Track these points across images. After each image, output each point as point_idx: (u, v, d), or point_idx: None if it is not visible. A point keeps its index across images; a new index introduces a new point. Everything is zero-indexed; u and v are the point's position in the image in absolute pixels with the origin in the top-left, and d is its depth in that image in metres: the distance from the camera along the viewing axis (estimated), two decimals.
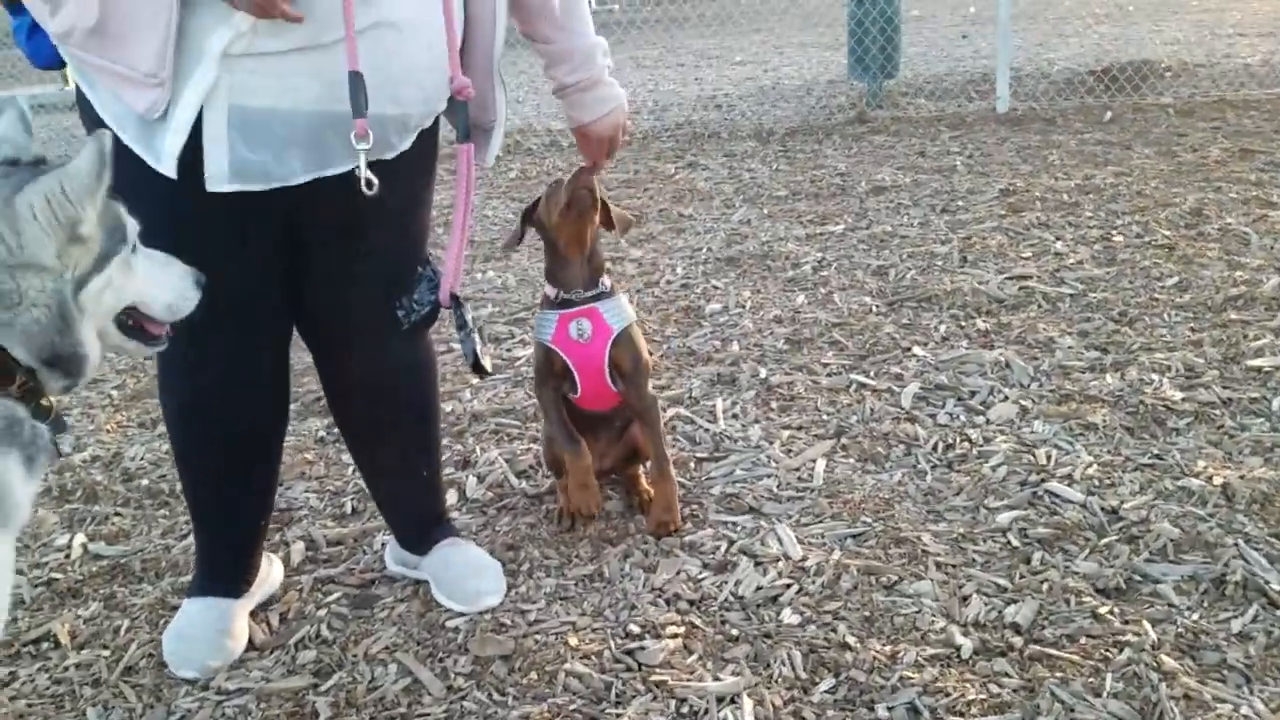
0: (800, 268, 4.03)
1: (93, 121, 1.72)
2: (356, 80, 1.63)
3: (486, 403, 2.99)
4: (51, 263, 1.30)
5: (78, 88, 1.73)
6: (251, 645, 2.02)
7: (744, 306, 3.67)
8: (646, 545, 2.27)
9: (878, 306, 3.56)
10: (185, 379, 1.93)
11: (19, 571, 2.29)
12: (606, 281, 2.30)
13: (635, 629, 2.00)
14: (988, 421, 2.70)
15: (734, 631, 1.99)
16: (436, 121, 1.93)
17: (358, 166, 1.66)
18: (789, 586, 2.10)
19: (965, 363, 3.04)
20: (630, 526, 2.36)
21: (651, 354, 3.24)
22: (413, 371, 2.10)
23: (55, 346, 1.34)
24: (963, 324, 3.34)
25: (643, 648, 1.94)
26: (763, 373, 3.10)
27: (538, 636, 1.99)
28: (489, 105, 1.94)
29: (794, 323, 3.49)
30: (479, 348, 1.97)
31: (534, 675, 1.89)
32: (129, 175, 1.63)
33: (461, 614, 2.07)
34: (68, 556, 2.36)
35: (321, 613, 2.10)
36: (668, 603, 2.08)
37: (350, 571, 2.23)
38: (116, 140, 1.45)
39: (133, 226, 1.45)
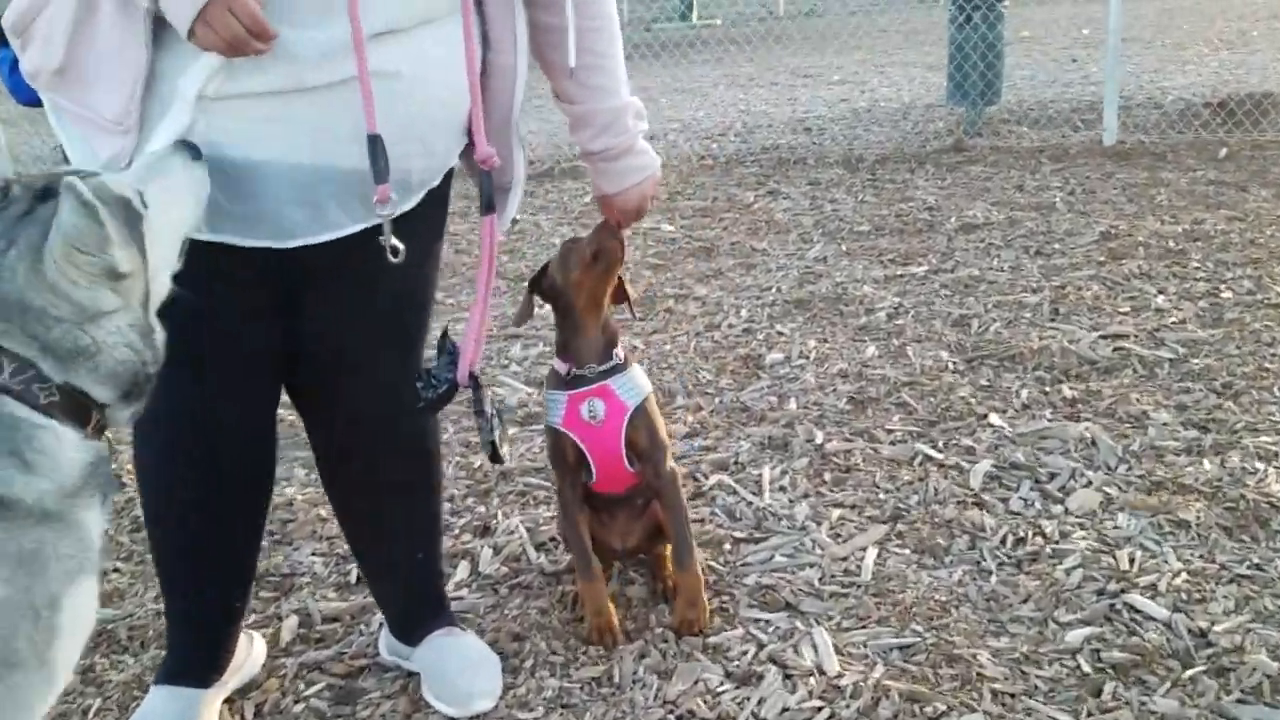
0: (874, 314, 3.75)
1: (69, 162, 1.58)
2: (375, 143, 1.49)
3: (518, 459, 2.79)
4: (115, 304, 1.26)
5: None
6: None
7: (808, 357, 3.41)
8: (666, 644, 2.04)
9: (955, 364, 3.26)
10: (164, 431, 1.77)
11: None
12: (620, 353, 2.07)
13: None
14: (1066, 511, 2.40)
15: None
16: (447, 180, 1.76)
17: (382, 235, 1.54)
18: (819, 710, 1.85)
19: (1047, 437, 2.74)
20: (652, 618, 2.13)
21: (700, 409, 3.03)
22: (413, 445, 1.91)
23: (142, 373, 1.31)
24: (1047, 389, 3.03)
25: None
26: (819, 437, 2.84)
27: None
28: (508, 166, 1.76)
29: (860, 379, 3.21)
30: (497, 434, 1.80)
31: None
32: None
33: (449, 717, 1.87)
34: None
35: (299, 708, 1.92)
36: None
37: (340, 657, 2.05)
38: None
39: (129, 187, 1.32)
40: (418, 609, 1.98)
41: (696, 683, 1.93)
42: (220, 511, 1.81)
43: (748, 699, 1.88)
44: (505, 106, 1.72)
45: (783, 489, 2.60)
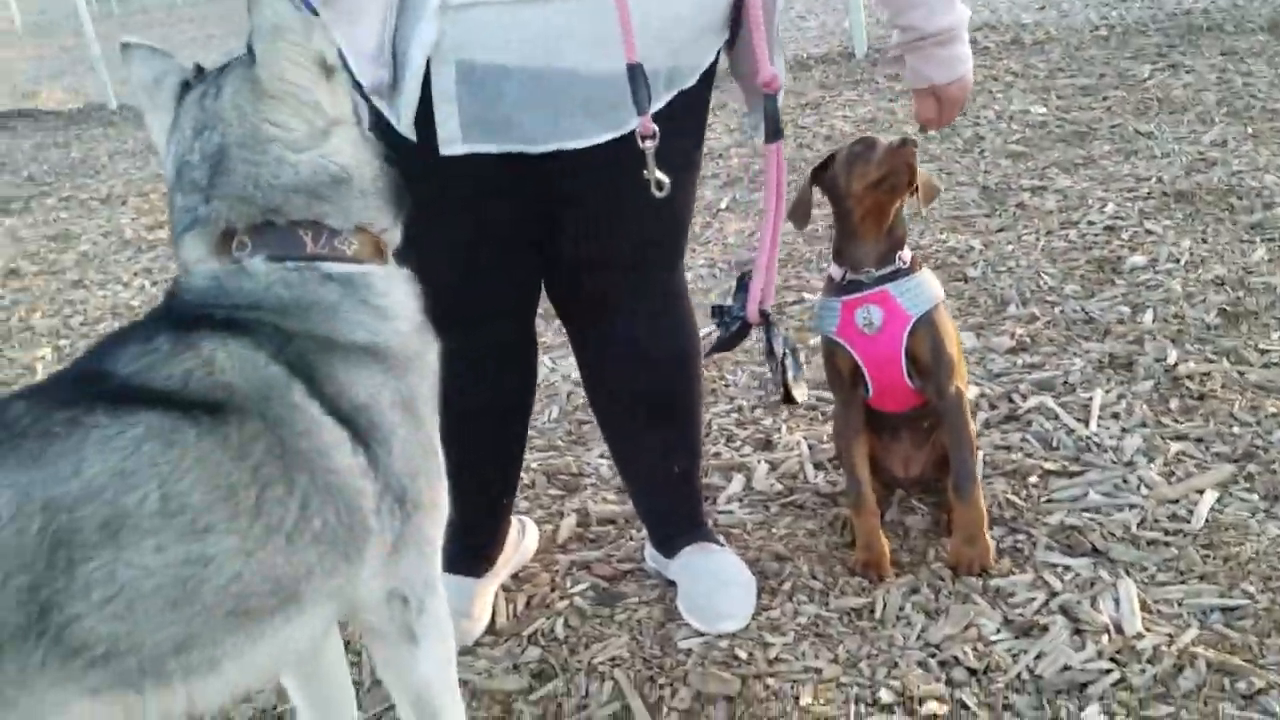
0: (1273, 209, 3.15)
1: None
2: (635, 73, 1.43)
3: (817, 370, 2.65)
4: (334, 110, 1.23)
5: None
6: (493, 626, 1.93)
7: (1178, 261, 2.93)
8: (940, 582, 1.86)
9: None
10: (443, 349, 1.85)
11: None
12: (905, 256, 1.87)
13: (887, 696, 1.63)
14: None
15: None
16: (704, 83, 1.65)
17: (648, 171, 1.48)
18: (1106, 673, 1.61)
19: None
20: (930, 552, 1.95)
21: (1034, 319, 2.72)
22: (670, 358, 1.85)
23: (394, 189, 1.29)
24: None
25: None
26: (1172, 356, 2.44)
27: (770, 680, 1.70)
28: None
29: (1240, 287, 2.72)
30: (790, 374, 1.72)
31: None
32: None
33: (699, 631, 1.83)
34: None
35: (564, 604, 1.96)
36: (941, 666, 1.68)
37: (607, 559, 2.06)
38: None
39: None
40: (674, 523, 1.94)
41: (968, 628, 1.74)
42: (483, 423, 1.86)
43: (1024, 652, 1.68)
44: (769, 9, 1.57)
45: (1115, 416, 2.27)
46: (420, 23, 1.46)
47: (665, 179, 1.47)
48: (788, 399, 1.73)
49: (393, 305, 1.23)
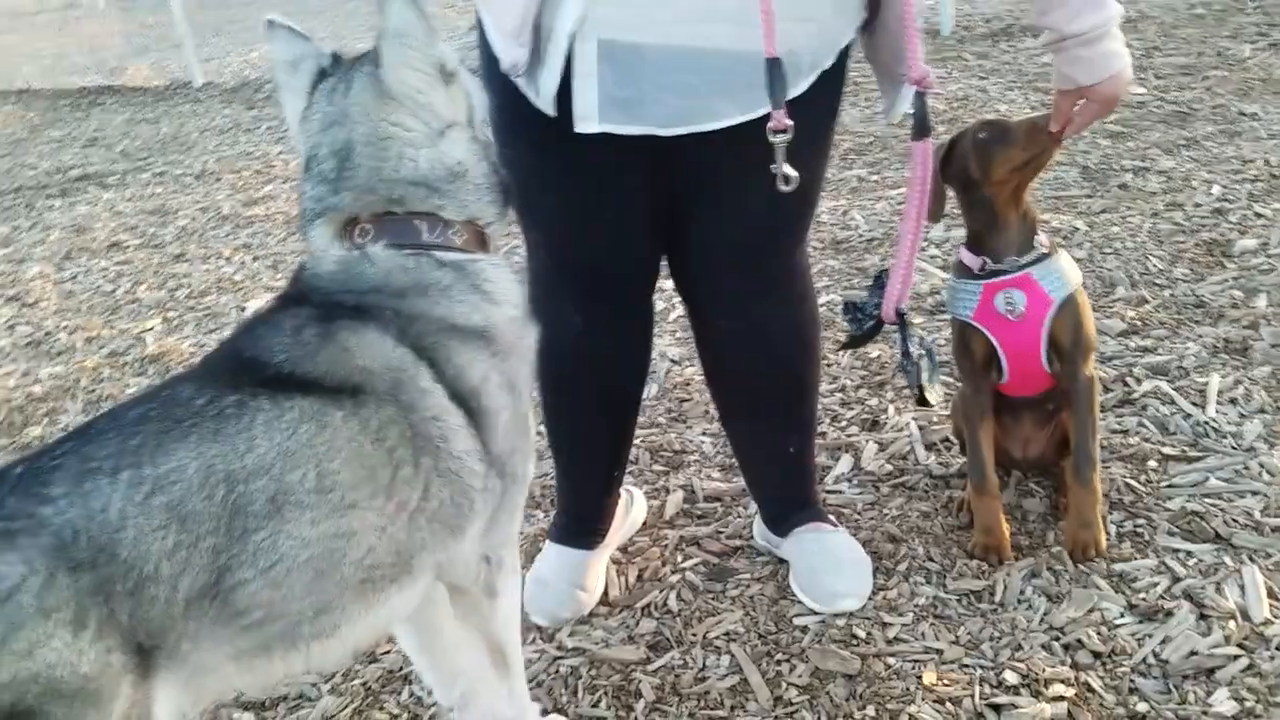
0: None
1: (486, 52, 1.65)
2: (773, 67, 1.42)
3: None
4: (452, 112, 1.30)
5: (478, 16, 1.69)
6: (606, 598, 1.96)
7: None
8: (1061, 566, 1.85)
9: None
10: (550, 318, 1.86)
11: None
12: (1043, 240, 1.84)
13: (1011, 678, 1.63)
14: None
15: (1140, 707, 1.55)
16: (842, 60, 1.63)
17: (776, 166, 1.47)
18: (1234, 659, 1.59)
19: None
20: (1049, 535, 1.93)
21: (1144, 303, 2.67)
22: (789, 340, 1.85)
23: (502, 186, 1.36)
24: None
25: (1013, 705, 1.58)
26: None
27: (891, 660, 1.70)
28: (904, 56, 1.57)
29: None
30: (925, 376, 1.68)
31: (871, 710, 1.61)
32: (509, 114, 1.61)
33: (813, 610, 1.83)
34: None
35: (675, 578, 1.98)
36: (1065, 649, 1.67)
37: (717, 535, 2.08)
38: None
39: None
40: (787, 501, 1.95)
41: (1091, 611, 1.73)
42: (599, 398, 1.89)
43: (1149, 636, 1.66)
44: None
45: (1233, 401, 2.22)
46: (566, 2, 1.47)
47: (794, 174, 1.46)
48: (921, 401, 1.70)
49: (500, 291, 1.31)
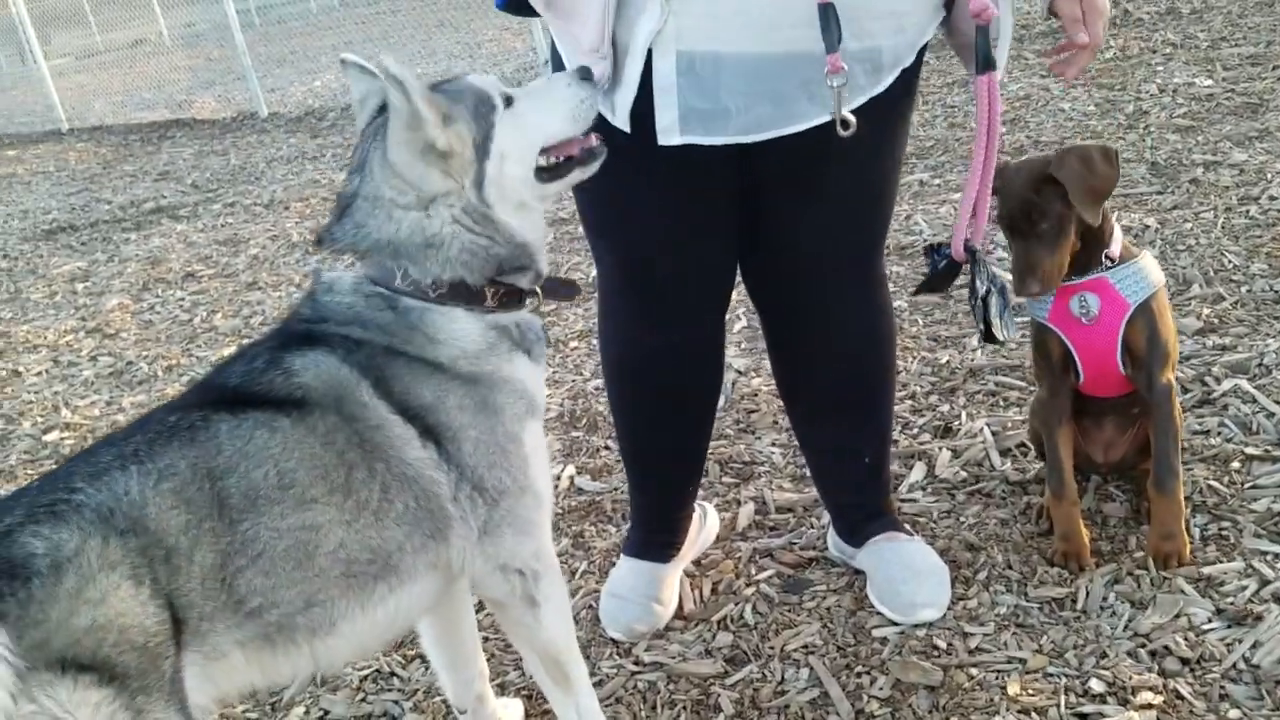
0: None
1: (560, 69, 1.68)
2: (827, 12, 1.42)
3: (990, 356, 2.61)
4: (444, 185, 1.39)
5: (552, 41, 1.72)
6: (681, 611, 1.96)
7: None
8: (1144, 571, 1.81)
9: None
10: (626, 334, 1.89)
11: None
12: (1115, 251, 1.80)
13: (1098, 686, 1.60)
14: None
15: (1232, 714, 1.51)
16: (919, 57, 1.63)
17: (834, 110, 1.45)
18: None
19: None
20: (1131, 541, 1.90)
21: (1220, 300, 2.61)
22: (864, 345, 1.84)
23: (496, 254, 1.43)
24: None
25: (1101, 714, 1.56)
26: None
27: (973, 670, 1.69)
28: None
29: None
30: (994, 312, 1.66)
31: None
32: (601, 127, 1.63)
33: (893, 620, 1.82)
34: (555, 487, 2.49)
35: (750, 591, 1.98)
36: (1152, 656, 1.64)
37: (790, 547, 2.07)
38: None
39: (493, 87, 1.45)
40: (862, 511, 1.94)
41: (1178, 617, 1.70)
42: (675, 412, 1.90)
43: (1239, 641, 1.63)
44: None
45: None
46: (642, 15, 1.49)
47: (851, 117, 1.44)
48: (989, 337, 1.67)
49: (443, 335, 1.41)
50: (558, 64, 1.67)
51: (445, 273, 1.41)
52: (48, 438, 3.34)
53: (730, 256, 1.77)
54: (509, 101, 1.44)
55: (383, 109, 1.41)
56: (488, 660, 1.78)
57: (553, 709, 1.60)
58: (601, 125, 1.53)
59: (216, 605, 1.19)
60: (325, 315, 1.41)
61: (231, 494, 1.22)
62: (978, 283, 1.66)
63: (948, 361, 2.60)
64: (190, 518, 1.18)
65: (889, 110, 1.61)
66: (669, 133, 1.54)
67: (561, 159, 1.47)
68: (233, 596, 1.20)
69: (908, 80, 1.61)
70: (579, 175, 1.49)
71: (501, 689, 1.83)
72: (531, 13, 1.65)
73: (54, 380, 3.84)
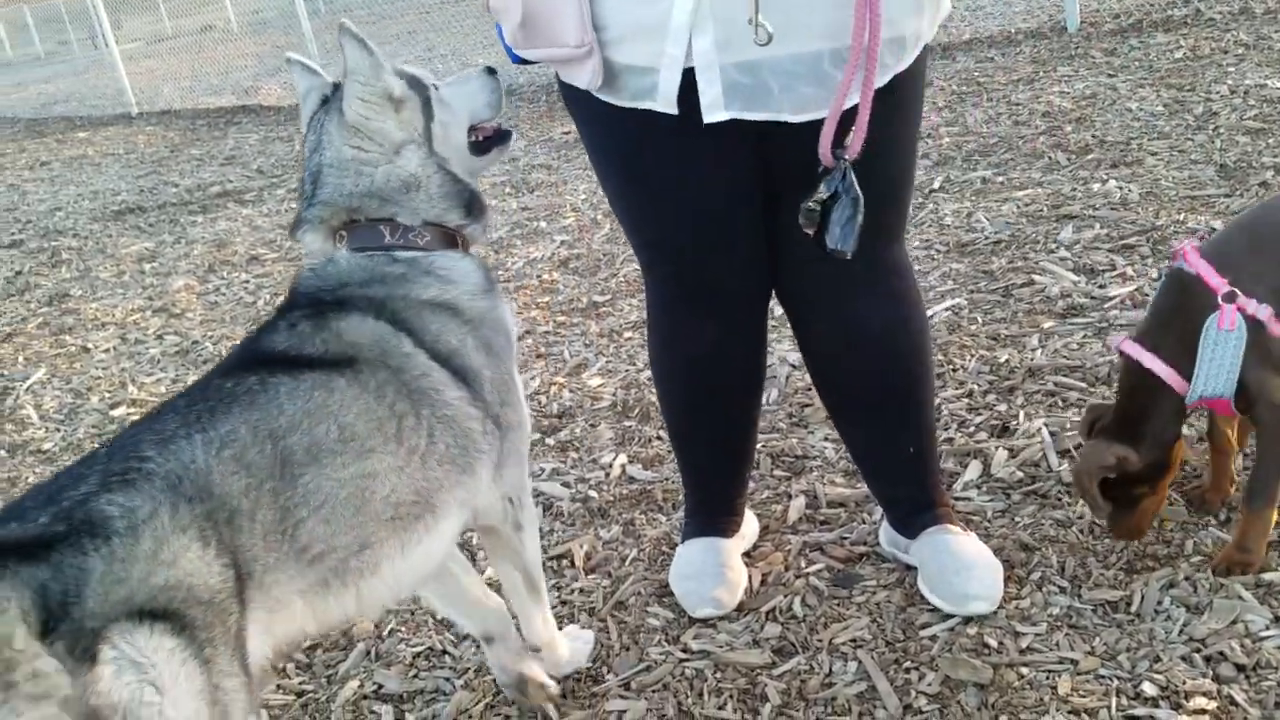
0: None
1: (574, 102, 1.71)
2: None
3: (1052, 355, 2.58)
4: (403, 133, 1.54)
5: (558, 79, 1.74)
6: None
7: None
8: (1200, 575, 1.79)
9: None
10: (665, 323, 1.91)
11: (565, 485, 2.50)
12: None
13: (1150, 690, 1.59)
14: None
15: None
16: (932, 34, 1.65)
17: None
18: None
19: None
20: (1188, 545, 1.88)
21: None
22: (890, 338, 1.82)
23: (465, 193, 1.59)
24: None
25: (1152, 717, 1.54)
26: None
27: (1024, 669, 1.68)
28: None
29: None
30: (836, 220, 1.55)
31: (1005, 719, 1.59)
32: (606, 143, 1.72)
33: (943, 617, 1.82)
34: (607, 475, 2.51)
35: (799, 583, 1.98)
36: (1207, 661, 1.62)
37: (841, 541, 2.07)
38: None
39: (420, 72, 1.61)
40: (912, 503, 1.93)
41: (1234, 623, 1.67)
42: (727, 392, 1.91)
43: None
44: None
45: None
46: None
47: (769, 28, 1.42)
48: (818, 243, 1.56)
49: (454, 275, 1.54)
50: (565, 92, 1.71)
51: (431, 212, 1.55)
52: (115, 412, 3.43)
53: (763, 245, 1.76)
54: (436, 87, 1.62)
55: (324, 102, 1.58)
56: None
57: (522, 620, 1.77)
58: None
59: (279, 555, 1.27)
60: (343, 280, 1.50)
61: (295, 451, 1.30)
62: (823, 187, 1.55)
63: (1006, 360, 2.58)
64: (250, 480, 1.26)
65: (908, 91, 1.61)
66: (714, 109, 1.54)
67: (483, 139, 1.67)
68: (295, 545, 1.29)
69: (919, 62, 1.62)
70: (498, 154, 1.69)
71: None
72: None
73: (121, 357, 3.94)
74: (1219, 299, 1.68)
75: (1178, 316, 1.74)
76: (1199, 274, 1.72)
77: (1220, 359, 1.68)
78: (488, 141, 1.68)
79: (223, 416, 1.28)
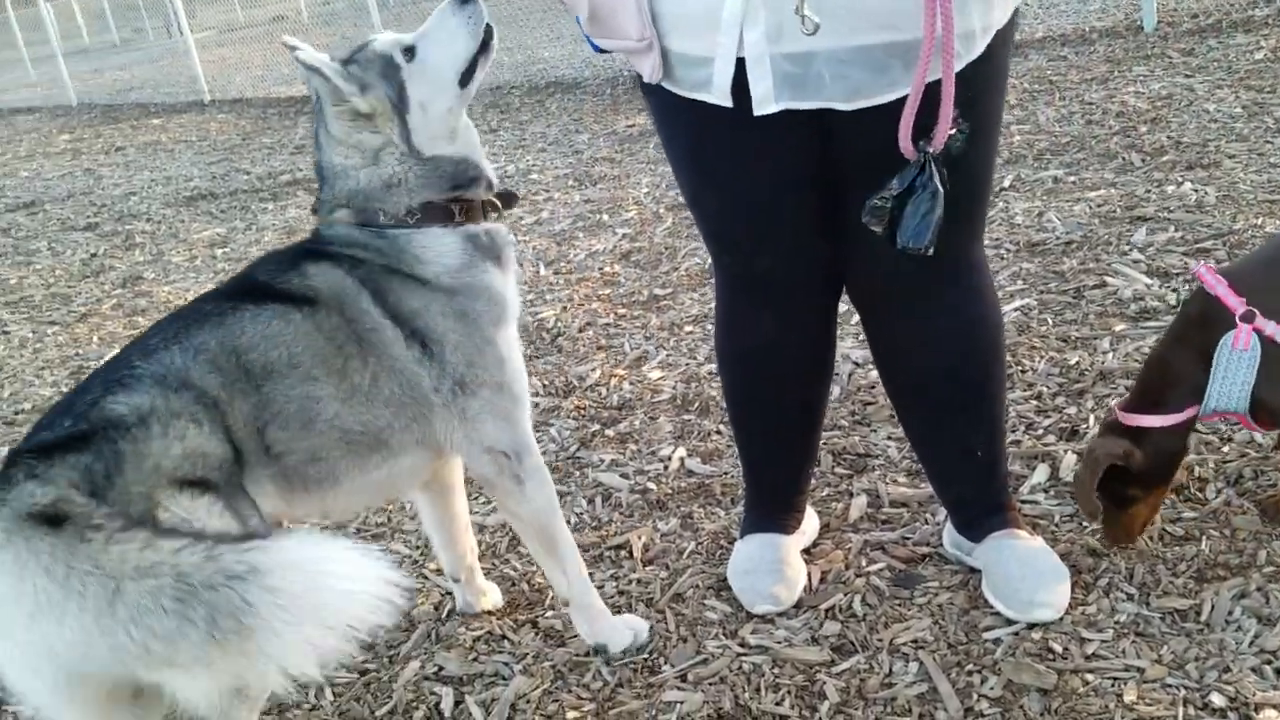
0: None
1: (649, 93, 1.72)
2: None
3: (1124, 358, 2.53)
4: (379, 139, 1.70)
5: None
6: None
7: None
8: (1273, 585, 1.75)
9: None
10: (738, 326, 1.91)
11: (623, 476, 2.51)
12: None
13: (1219, 700, 1.56)
14: None
15: None
16: (1013, 19, 1.61)
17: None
18: None
19: None
20: (1261, 555, 1.83)
21: None
22: (965, 337, 1.80)
23: (446, 172, 1.73)
24: None
25: None
26: None
27: (1089, 676, 1.65)
28: None
29: None
30: (912, 214, 1.51)
31: None
32: (676, 134, 1.73)
33: (1007, 621, 1.80)
34: (665, 468, 2.52)
35: (860, 582, 1.97)
36: (1278, 673, 1.59)
37: (903, 541, 2.06)
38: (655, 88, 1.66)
39: (392, 46, 1.71)
40: (979, 506, 1.91)
41: None
42: (790, 387, 1.91)
43: None
44: None
45: None
46: None
47: (817, 19, 1.40)
48: (888, 237, 1.53)
49: (429, 252, 1.70)
50: (641, 83, 1.71)
51: (414, 199, 1.71)
52: None
53: (825, 245, 1.74)
54: (411, 53, 1.70)
55: (317, 101, 1.72)
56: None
57: (546, 572, 1.91)
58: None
59: (254, 447, 1.54)
60: (332, 240, 1.72)
61: (253, 365, 1.56)
62: (895, 181, 1.51)
63: (1077, 363, 2.54)
64: (224, 379, 1.53)
65: (983, 81, 1.57)
66: (764, 102, 1.54)
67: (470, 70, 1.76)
68: (263, 442, 1.56)
69: (1000, 44, 1.57)
70: (484, 65, 1.76)
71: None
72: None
73: None
74: (1236, 318, 1.72)
75: (1197, 332, 1.79)
76: (1217, 294, 1.74)
77: (1233, 377, 1.73)
78: (472, 62, 1.74)
79: (195, 331, 1.56)
